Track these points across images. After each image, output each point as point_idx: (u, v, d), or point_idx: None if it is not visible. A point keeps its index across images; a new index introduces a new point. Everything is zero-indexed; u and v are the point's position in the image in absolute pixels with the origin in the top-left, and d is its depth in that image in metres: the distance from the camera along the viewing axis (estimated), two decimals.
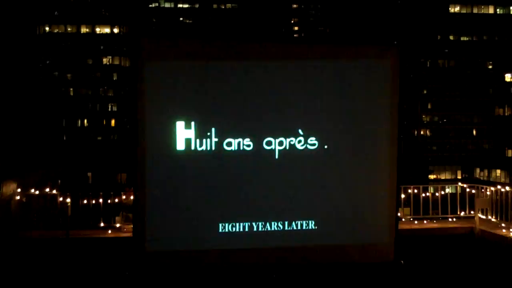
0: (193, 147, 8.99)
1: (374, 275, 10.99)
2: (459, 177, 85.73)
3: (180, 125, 8.94)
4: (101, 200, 11.45)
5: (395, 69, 9.70)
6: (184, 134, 8.95)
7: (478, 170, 78.49)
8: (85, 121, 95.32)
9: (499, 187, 11.81)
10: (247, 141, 9.15)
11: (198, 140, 9.00)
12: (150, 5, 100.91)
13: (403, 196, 11.83)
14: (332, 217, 9.51)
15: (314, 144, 9.36)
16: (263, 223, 9.27)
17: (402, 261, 9.83)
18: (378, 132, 9.61)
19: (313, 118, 9.39)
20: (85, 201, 11.55)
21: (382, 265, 9.91)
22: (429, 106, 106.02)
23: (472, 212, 12.02)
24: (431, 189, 13.10)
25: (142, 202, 8.88)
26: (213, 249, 9.17)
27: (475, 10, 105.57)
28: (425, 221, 12.04)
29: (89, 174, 64.94)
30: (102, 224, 11.46)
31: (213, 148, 9.04)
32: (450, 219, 12.24)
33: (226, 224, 9.15)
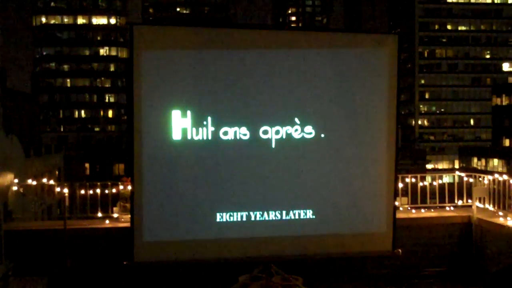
0: (189, 137, 8.96)
1: (372, 264, 11.03)
2: (456, 166, 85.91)
3: (176, 114, 8.89)
4: (98, 191, 11.42)
5: (393, 57, 9.66)
6: (180, 123, 8.91)
7: (475, 160, 78.59)
8: (83, 112, 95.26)
9: (496, 176, 11.80)
10: (243, 130, 9.11)
11: (194, 129, 8.96)
12: None
13: (400, 185, 11.80)
14: (330, 206, 9.49)
15: (310, 133, 9.32)
16: (261, 212, 9.25)
17: (399, 251, 9.82)
18: (376, 122, 9.58)
19: (309, 107, 9.34)
20: (82, 192, 11.53)
21: (379, 254, 9.92)
22: (426, 96, 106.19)
23: (469, 201, 12.01)
24: (429, 178, 13.09)
25: (139, 192, 8.85)
26: (211, 239, 9.16)
27: (472, 0, 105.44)
28: (422, 210, 12.03)
29: (87, 165, 64.89)
30: (99, 215, 11.44)
31: (210, 137, 9.00)
32: (447, 208, 12.24)
33: (224, 214, 9.13)
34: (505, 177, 11.51)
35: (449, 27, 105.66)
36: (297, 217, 9.35)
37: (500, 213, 11.23)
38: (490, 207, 11.72)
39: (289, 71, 9.24)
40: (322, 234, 9.49)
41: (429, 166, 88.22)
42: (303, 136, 9.28)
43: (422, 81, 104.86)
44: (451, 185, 12.51)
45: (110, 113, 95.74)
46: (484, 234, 11.17)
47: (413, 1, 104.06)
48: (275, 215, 9.29)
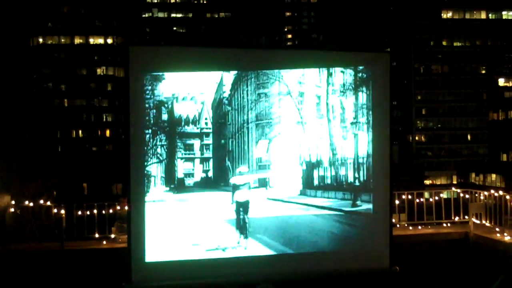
0: None
1: (369, 282, 11.01)
2: (454, 182, 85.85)
3: None
4: (95, 211, 11.43)
5: (385, 75, 9.74)
6: None
7: (473, 175, 78.58)
8: (80, 131, 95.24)
9: (492, 191, 11.85)
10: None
11: None
12: (144, 15, 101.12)
13: (397, 202, 11.84)
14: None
15: None
16: None
17: (397, 268, 9.82)
18: (370, 138, 9.64)
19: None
20: (79, 212, 11.53)
21: (377, 272, 9.91)
22: (423, 112, 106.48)
23: (466, 217, 12.04)
24: (426, 195, 13.13)
25: (136, 212, 8.85)
26: (210, 259, 9.13)
27: (467, 16, 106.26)
28: (419, 227, 12.05)
29: (85, 184, 64.75)
30: (97, 235, 11.43)
31: None
32: (444, 224, 12.27)
33: None
34: (501, 192, 11.56)
35: (444, 43, 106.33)
36: None
37: (497, 229, 11.26)
38: (487, 223, 11.75)
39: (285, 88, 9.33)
40: (319, 252, 9.50)
41: (427, 182, 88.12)
42: None
43: (419, 97, 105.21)
44: (448, 201, 12.55)
45: (107, 133, 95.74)
46: (481, 250, 11.18)
47: (409, 18, 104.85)
48: None
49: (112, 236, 11.34)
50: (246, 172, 9.41)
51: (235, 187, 9.35)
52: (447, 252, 11.54)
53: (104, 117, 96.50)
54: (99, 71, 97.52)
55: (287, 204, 9.60)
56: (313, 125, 9.59)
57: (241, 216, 9.28)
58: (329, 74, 9.57)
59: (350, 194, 9.73)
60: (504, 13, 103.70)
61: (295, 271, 9.47)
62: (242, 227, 9.29)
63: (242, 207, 9.29)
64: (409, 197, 12.17)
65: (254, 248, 9.29)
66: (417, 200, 12.35)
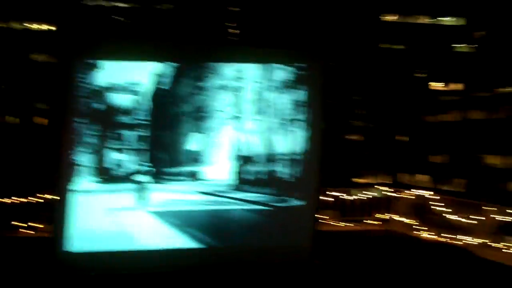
0: None
1: (292, 275, 11.23)
2: (384, 181, 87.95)
3: None
4: (19, 200, 11.14)
5: (322, 74, 9.93)
6: None
7: (403, 175, 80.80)
8: (12, 118, 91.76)
9: (413, 190, 12.32)
10: None
11: None
12: (82, 1, 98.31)
13: (325, 198, 12.09)
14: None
15: None
16: None
17: (318, 261, 10.04)
18: (301, 136, 9.82)
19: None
20: (3, 201, 11.21)
21: (299, 266, 10.10)
22: (358, 112, 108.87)
23: (390, 214, 12.45)
24: (354, 193, 13.44)
25: (60, 203, 8.72)
26: (131, 250, 9.10)
27: (406, 20, 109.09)
28: (345, 223, 12.38)
29: (10, 173, 62.32)
30: (20, 225, 11.15)
31: None
32: (369, 221, 12.64)
33: None
34: (422, 191, 12.04)
35: (382, 45, 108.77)
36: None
37: (417, 226, 11.70)
38: (408, 220, 12.18)
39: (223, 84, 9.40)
40: (245, 245, 9.65)
41: (359, 181, 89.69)
42: None
43: (355, 98, 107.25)
44: (373, 199, 12.93)
45: (41, 121, 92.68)
46: (401, 246, 11.56)
47: (347, 19, 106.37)
48: None
49: (35, 225, 11.07)
50: (180, 165, 9.41)
51: (164, 179, 9.34)
52: (370, 247, 11.91)
53: (38, 105, 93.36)
54: (34, 57, 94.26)
55: (218, 199, 9.70)
56: (249, 120, 9.71)
57: (168, 208, 9.31)
58: (267, 71, 9.70)
59: (281, 190, 9.89)
60: (440, 18, 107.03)
61: (220, 263, 9.56)
62: (168, 219, 9.32)
63: (171, 200, 9.31)
64: (337, 194, 12.44)
65: (182, 240, 9.34)
66: (346, 198, 12.64)
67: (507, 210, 11.05)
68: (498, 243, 10.94)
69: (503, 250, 10.52)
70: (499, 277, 9.53)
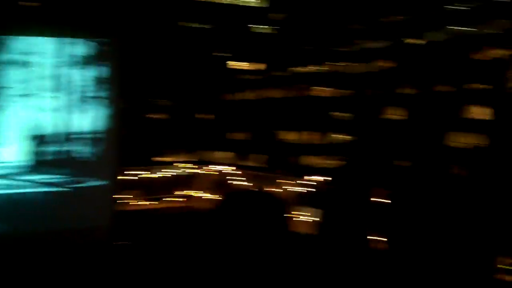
0: None
1: (91, 257, 10.99)
2: (187, 159, 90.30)
3: None
4: None
5: (119, 51, 9.78)
6: None
7: (205, 152, 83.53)
8: None
9: (215, 166, 12.83)
10: None
11: None
12: None
13: (128, 178, 12.04)
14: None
15: None
16: None
17: (121, 242, 10.02)
18: (101, 114, 9.62)
19: None
20: None
21: (99, 247, 9.95)
22: (163, 91, 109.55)
23: (192, 191, 12.83)
24: (156, 171, 13.55)
25: None
26: None
27: None
28: (147, 202, 12.47)
29: None
30: None
31: None
32: (171, 199, 12.87)
33: None
34: (221, 167, 12.61)
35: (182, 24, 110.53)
36: None
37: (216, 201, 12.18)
38: (209, 196, 12.67)
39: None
40: (42, 231, 9.21)
41: (160, 159, 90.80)
42: None
43: (160, 77, 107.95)
44: (176, 177, 13.19)
45: None
46: (203, 220, 11.97)
47: None
48: None
49: None
50: None
51: None
52: (173, 225, 12.12)
53: None
54: None
55: (10, 182, 9.15)
56: (44, 98, 9.24)
57: None
58: (64, 45, 9.29)
59: (79, 170, 9.59)
60: None
61: (14, 251, 9.03)
62: None
63: None
64: (140, 173, 12.46)
65: None
66: (149, 176, 12.73)
67: (298, 181, 12.00)
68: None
69: (293, 219, 11.42)
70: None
